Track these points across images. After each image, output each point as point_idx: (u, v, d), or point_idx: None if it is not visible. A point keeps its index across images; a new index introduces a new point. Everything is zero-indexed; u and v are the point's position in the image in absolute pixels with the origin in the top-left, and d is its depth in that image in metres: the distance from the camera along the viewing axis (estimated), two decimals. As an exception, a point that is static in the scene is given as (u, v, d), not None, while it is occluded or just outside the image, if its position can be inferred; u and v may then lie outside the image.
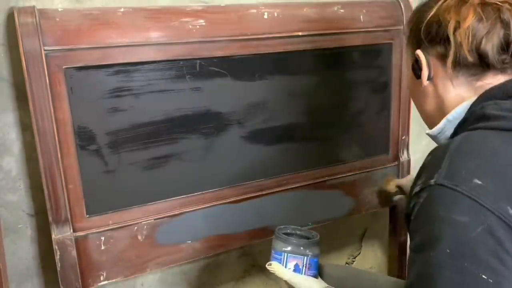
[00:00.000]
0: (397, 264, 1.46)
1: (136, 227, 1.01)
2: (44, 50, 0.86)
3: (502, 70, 0.67)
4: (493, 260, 0.51)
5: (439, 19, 0.69)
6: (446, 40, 0.68)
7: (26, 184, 1.01)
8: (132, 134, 0.98)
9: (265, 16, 1.07)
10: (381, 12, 1.22)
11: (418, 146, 1.48)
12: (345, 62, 1.20)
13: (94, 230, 0.97)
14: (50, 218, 0.93)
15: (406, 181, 1.24)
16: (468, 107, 0.67)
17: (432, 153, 0.62)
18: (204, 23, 1.00)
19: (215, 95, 1.04)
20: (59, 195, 0.92)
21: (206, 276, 1.29)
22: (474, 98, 0.67)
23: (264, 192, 1.15)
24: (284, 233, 0.88)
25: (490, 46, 0.65)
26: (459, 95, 0.69)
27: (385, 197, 1.32)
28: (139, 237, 1.02)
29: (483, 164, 0.56)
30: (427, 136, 0.74)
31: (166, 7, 1.02)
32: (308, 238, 0.89)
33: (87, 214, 0.96)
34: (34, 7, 0.87)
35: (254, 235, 1.16)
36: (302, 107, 1.17)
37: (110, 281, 1.01)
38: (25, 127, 0.98)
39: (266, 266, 0.86)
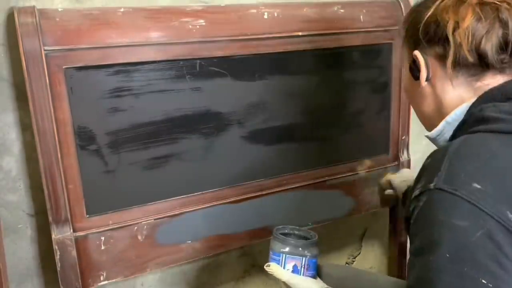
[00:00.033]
0: (397, 264, 1.46)
1: (136, 227, 1.01)
2: (44, 50, 0.86)
3: (501, 70, 0.67)
4: (493, 264, 0.52)
5: (437, 19, 0.68)
6: (445, 40, 0.67)
7: (26, 184, 1.01)
8: (132, 134, 0.98)
9: (265, 16, 1.07)
10: (381, 12, 1.22)
11: (418, 146, 1.48)
12: (345, 62, 1.20)
13: (94, 230, 0.97)
14: (50, 218, 0.93)
15: (396, 176, 1.22)
16: (467, 108, 0.67)
17: (431, 156, 0.62)
18: (204, 23, 1.00)
19: (215, 95, 1.04)
20: (59, 195, 0.92)
21: (206, 276, 1.29)
22: (473, 100, 0.67)
23: (264, 192, 1.15)
24: (282, 234, 0.88)
25: (490, 46, 0.64)
26: (459, 95, 0.69)
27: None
28: (139, 237, 1.02)
29: (482, 167, 0.56)
30: (427, 137, 0.74)
31: (166, 7, 1.02)
32: (306, 238, 0.89)
33: (87, 214, 0.96)
34: (34, 7, 0.87)
35: (254, 235, 1.16)
36: (302, 107, 1.16)
37: (110, 281, 1.01)
38: (25, 127, 0.98)
39: (265, 267, 0.86)
